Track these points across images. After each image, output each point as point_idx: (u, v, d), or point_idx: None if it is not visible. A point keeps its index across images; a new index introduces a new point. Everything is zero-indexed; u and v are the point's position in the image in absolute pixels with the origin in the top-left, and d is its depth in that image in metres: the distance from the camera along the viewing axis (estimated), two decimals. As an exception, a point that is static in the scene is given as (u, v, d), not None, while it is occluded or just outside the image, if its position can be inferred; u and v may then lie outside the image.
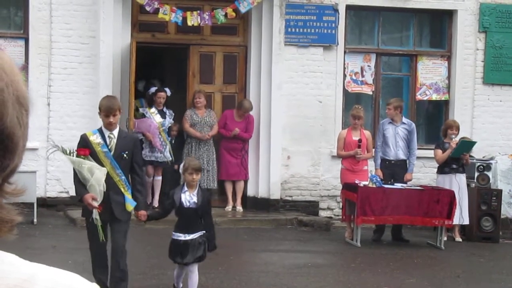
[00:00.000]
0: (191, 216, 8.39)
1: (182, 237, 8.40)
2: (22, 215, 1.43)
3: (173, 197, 8.47)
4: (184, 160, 8.85)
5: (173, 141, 14.82)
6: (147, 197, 13.18)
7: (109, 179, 8.13)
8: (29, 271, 1.37)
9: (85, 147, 8.18)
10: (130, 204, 8.24)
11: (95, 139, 8.20)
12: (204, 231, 8.42)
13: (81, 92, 14.66)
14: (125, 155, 8.19)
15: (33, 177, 13.37)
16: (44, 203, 14.24)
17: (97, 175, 8.01)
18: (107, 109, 8.15)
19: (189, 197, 8.39)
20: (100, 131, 8.29)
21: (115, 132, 8.25)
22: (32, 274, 1.37)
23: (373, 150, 13.84)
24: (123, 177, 8.19)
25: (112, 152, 8.18)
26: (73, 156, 8.24)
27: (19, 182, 1.45)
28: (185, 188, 8.44)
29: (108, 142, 8.20)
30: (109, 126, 8.19)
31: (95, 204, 8.03)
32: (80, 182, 8.14)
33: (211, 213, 8.76)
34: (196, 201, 8.37)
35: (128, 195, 8.23)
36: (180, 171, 8.74)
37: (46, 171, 14.47)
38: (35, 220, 13.25)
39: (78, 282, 1.41)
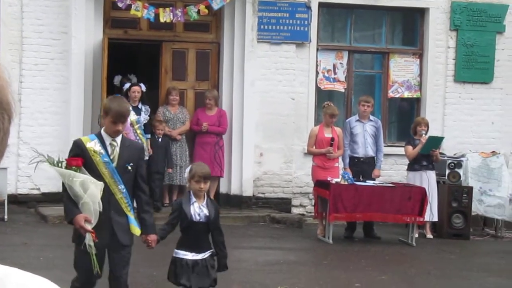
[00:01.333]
0: (200, 232, 7.19)
1: (190, 256, 7.16)
2: None
3: (180, 210, 7.20)
4: (190, 166, 7.51)
5: (159, 139, 14.43)
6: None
7: (109, 196, 6.76)
8: (2, 273, 1.36)
9: (78, 155, 6.83)
10: (137, 227, 6.92)
11: (93, 146, 6.81)
12: (213, 249, 7.27)
13: (52, 89, 14.57)
14: (129, 168, 6.85)
15: (4, 174, 13.29)
16: (15, 200, 14.14)
17: (92, 191, 6.57)
18: (117, 115, 6.72)
19: (198, 209, 7.18)
20: (100, 137, 6.88)
21: (118, 139, 6.87)
22: (3, 276, 1.35)
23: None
24: (126, 194, 6.85)
25: (114, 164, 6.81)
26: (61, 167, 6.92)
27: None
28: (193, 199, 7.21)
29: (109, 151, 6.83)
30: (115, 134, 6.81)
31: (89, 227, 6.59)
32: (70, 199, 6.68)
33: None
34: (207, 214, 7.16)
35: (131, 216, 6.89)
36: (185, 177, 7.56)
37: (17, 167, 14.36)
38: (5, 217, 13.17)
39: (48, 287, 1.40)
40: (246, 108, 15.07)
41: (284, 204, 15.29)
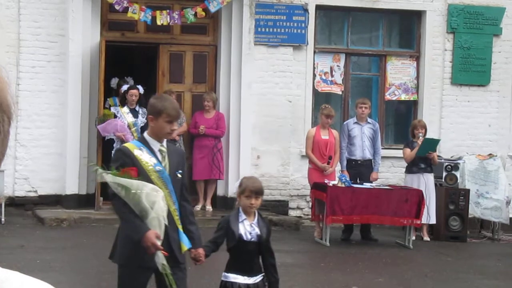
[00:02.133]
0: (251, 253, 6.43)
1: (241, 279, 6.40)
2: None
3: (227, 228, 6.43)
4: (241, 180, 6.69)
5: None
6: None
7: None
8: (2, 276, 1.36)
9: (127, 165, 5.91)
10: (185, 244, 6.11)
11: (141, 154, 5.99)
12: (263, 272, 6.51)
13: (49, 91, 14.56)
14: (179, 175, 6.13)
15: (1, 176, 13.28)
16: (12, 202, 14.13)
17: (159, 204, 5.75)
18: (173, 114, 6.05)
19: (249, 228, 6.44)
20: (145, 142, 6.10)
21: (165, 144, 6.17)
22: (3, 279, 1.36)
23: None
24: (177, 205, 6.10)
25: (167, 172, 6.06)
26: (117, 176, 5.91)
27: None
28: (242, 216, 6.46)
29: (160, 158, 6.07)
30: (168, 135, 6.16)
31: (159, 244, 5.78)
32: (133, 214, 5.79)
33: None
34: (259, 233, 6.42)
35: (181, 229, 6.11)
36: (234, 191, 6.80)
37: (14, 170, 14.36)
38: (3, 219, 13.16)
39: None
40: (243, 110, 15.08)
41: (281, 206, 15.29)
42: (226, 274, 6.45)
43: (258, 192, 6.47)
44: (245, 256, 6.41)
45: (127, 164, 5.88)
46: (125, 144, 6.43)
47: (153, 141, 6.05)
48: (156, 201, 5.71)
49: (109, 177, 5.82)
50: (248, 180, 6.64)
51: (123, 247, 6.03)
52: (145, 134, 6.16)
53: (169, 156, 6.09)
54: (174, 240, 5.98)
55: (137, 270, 5.99)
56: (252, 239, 6.38)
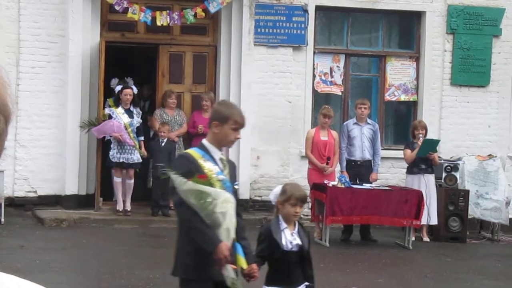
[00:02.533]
0: (293, 264, 6.10)
1: None
2: None
3: (270, 239, 6.09)
4: (284, 186, 6.31)
5: (162, 143, 14.32)
6: None
7: None
8: None
9: (194, 172, 5.50)
10: (243, 258, 5.71)
11: (204, 161, 5.62)
12: (306, 283, 6.23)
13: (49, 91, 14.57)
14: (236, 187, 5.87)
15: (0, 177, 13.29)
16: (12, 202, 14.13)
17: (230, 215, 5.47)
18: (240, 121, 5.81)
19: (290, 237, 6.11)
20: (205, 150, 5.70)
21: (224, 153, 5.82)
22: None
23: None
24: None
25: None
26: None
27: None
28: (283, 225, 6.12)
29: (221, 167, 5.69)
30: (230, 144, 5.93)
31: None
32: (205, 224, 5.41)
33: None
34: (299, 243, 6.11)
35: (238, 244, 5.72)
36: (272, 199, 6.33)
37: (14, 170, 14.36)
38: (2, 219, 13.17)
39: None
40: (243, 111, 15.03)
41: (281, 207, 15.27)
42: (266, 287, 6.16)
43: (304, 199, 6.22)
44: (286, 267, 6.09)
45: (193, 171, 5.49)
46: (188, 150, 5.95)
47: (213, 148, 5.69)
48: (227, 212, 5.43)
49: (188, 184, 5.38)
50: (293, 187, 6.32)
51: (188, 260, 5.57)
52: (205, 141, 5.74)
53: (227, 166, 5.76)
54: (231, 254, 5.56)
55: (203, 284, 5.59)
56: (293, 249, 6.08)
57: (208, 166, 5.55)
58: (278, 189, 6.25)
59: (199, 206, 5.36)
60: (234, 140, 5.84)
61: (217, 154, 5.68)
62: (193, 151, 5.73)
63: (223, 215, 5.37)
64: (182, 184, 5.38)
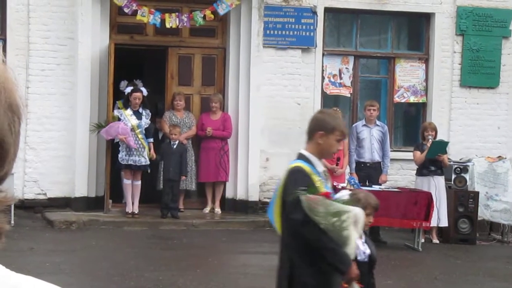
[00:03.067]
0: (363, 274, 5.88)
1: None
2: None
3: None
4: (356, 195, 6.05)
5: (174, 146, 14.34)
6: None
7: None
8: (14, 281, 1.36)
9: (313, 188, 5.24)
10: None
11: (316, 177, 5.35)
12: None
13: (58, 94, 14.60)
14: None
15: (10, 179, 13.28)
16: (22, 205, 14.16)
17: (354, 234, 5.19)
18: (346, 132, 5.65)
19: (362, 247, 5.98)
20: (310, 163, 5.43)
21: None
22: (15, 284, 1.36)
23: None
24: None
25: None
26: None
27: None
28: None
29: (325, 180, 5.45)
30: (331, 156, 5.64)
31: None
32: (333, 241, 5.16)
33: None
34: (369, 253, 6.04)
35: None
36: None
37: (23, 173, 14.40)
38: (12, 222, 13.17)
39: None
40: (252, 113, 15.08)
41: (290, 209, 15.26)
42: None
43: (377, 208, 6.09)
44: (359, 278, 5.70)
45: (309, 185, 5.22)
46: (299, 164, 5.44)
47: (317, 160, 5.43)
48: (357, 227, 5.19)
49: (322, 203, 5.07)
50: (367, 196, 6.17)
51: (309, 279, 5.36)
52: (306, 153, 5.49)
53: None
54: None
55: None
56: (365, 259, 5.98)
57: (318, 180, 5.30)
58: (344, 195, 5.62)
59: (328, 224, 5.07)
60: (336, 152, 5.70)
61: (320, 166, 5.45)
62: (304, 165, 5.38)
63: (352, 231, 5.15)
64: (318, 204, 5.08)
